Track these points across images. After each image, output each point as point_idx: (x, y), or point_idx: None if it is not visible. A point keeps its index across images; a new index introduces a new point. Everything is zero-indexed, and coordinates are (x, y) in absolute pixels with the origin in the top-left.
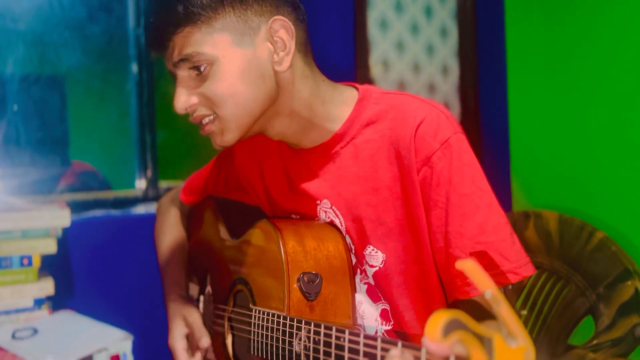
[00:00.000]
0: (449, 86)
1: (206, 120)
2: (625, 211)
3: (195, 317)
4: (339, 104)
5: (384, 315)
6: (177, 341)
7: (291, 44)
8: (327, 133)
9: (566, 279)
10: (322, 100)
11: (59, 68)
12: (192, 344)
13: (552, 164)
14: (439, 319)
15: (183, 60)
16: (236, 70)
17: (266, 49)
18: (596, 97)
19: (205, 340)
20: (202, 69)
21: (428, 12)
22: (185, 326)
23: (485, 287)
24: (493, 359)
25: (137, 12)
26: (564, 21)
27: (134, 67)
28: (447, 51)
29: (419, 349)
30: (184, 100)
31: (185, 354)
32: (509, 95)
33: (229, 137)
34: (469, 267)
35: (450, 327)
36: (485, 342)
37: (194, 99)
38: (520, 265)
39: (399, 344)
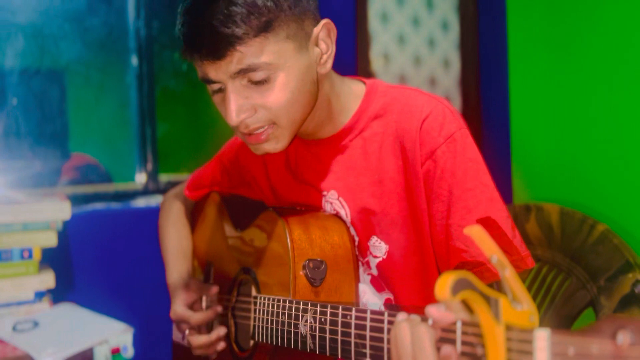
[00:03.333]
0: (450, 79)
1: (260, 130)
2: (626, 204)
3: (195, 281)
4: (349, 97)
5: (388, 304)
6: (180, 308)
7: (333, 46)
8: (338, 125)
9: (567, 271)
10: (337, 94)
11: (59, 60)
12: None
13: (553, 157)
14: (448, 278)
15: (245, 70)
16: (298, 78)
17: (315, 53)
18: (598, 90)
19: (214, 288)
20: (262, 78)
21: (429, 5)
22: (188, 295)
23: (491, 252)
24: (500, 318)
25: (137, 4)
26: (566, 14)
27: (134, 60)
28: (449, 44)
29: (426, 319)
30: (240, 112)
31: (190, 312)
32: (510, 88)
33: (283, 144)
34: (476, 232)
35: (459, 286)
36: (492, 303)
37: (251, 110)
38: (520, 258)
39: (404, 314)
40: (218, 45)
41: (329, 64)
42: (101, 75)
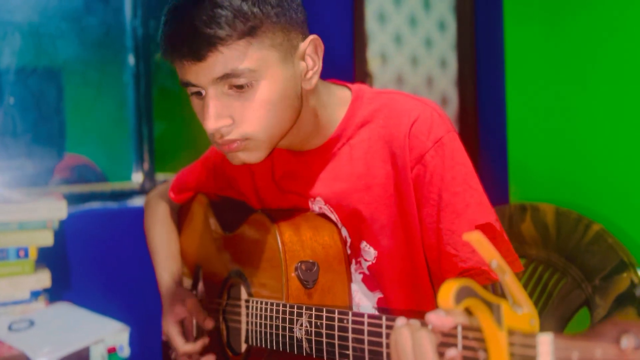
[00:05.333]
0: (447, 80)
1: (234, 142)
2: (621, 204)
3: (193, 301)
4: (336, 105)
5: (380, 303)
6: (172, 325)
7: (320, 63)
8: (326, 135)
9: (562, 271)
10: (324, 106)
11: (56, 60)
12: (187, 329)
13: (549, 157)
14: (451, 287)
15: (227, 75)
16: (279, 90)
17: (300, 68)
18: (594, 90)
19: (209, 322)
20: (244, 86)
21: (426, 5)
22: (182, 311)
23: (491, 257)
24: (502, 324)
25: (134, 3)
26: (562, 15)
27: (131, 59)
28: (446, 44)
29: (425, 324)
30: (218, 118)
31: (180, 338)
32: (506, 88)
33: (258, 156)
34: (475, 238)
35: (462, 295)
36: (494, 309)
37: (229, 119)
38: (509, 262)
39: (403, 319)
40: (199, 45)
41: (314, 80)
42: (98, 75)
